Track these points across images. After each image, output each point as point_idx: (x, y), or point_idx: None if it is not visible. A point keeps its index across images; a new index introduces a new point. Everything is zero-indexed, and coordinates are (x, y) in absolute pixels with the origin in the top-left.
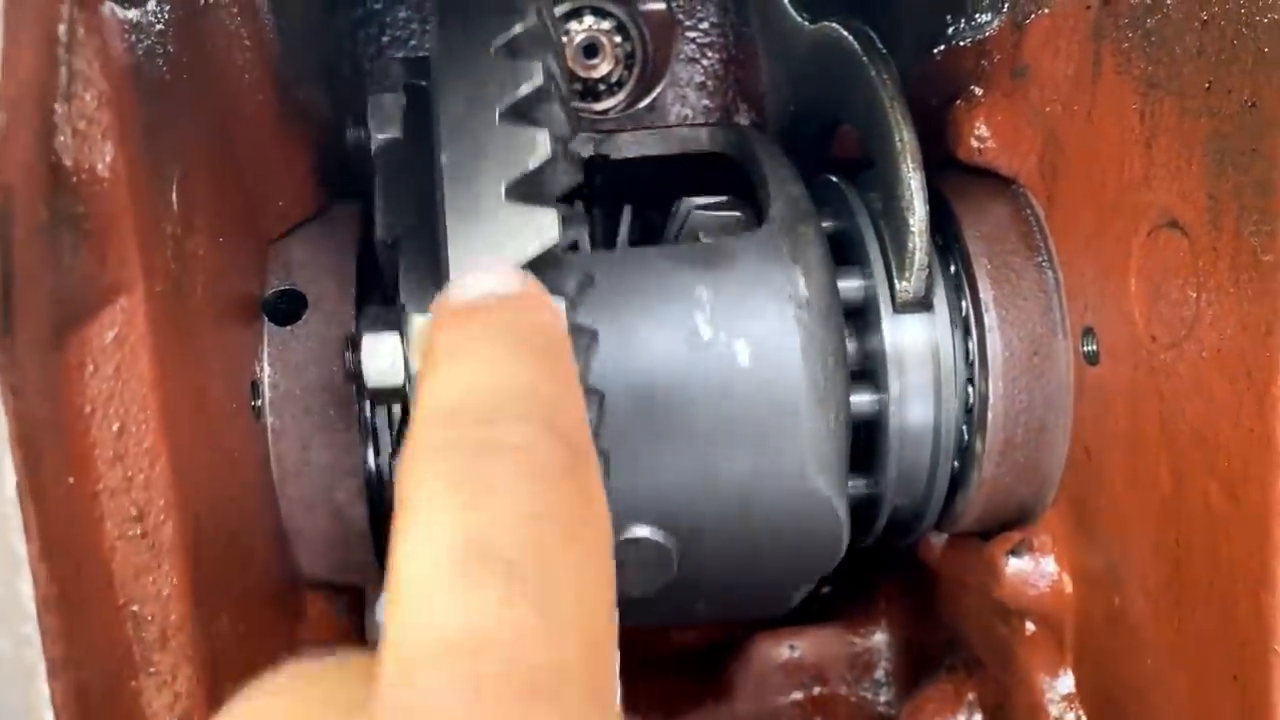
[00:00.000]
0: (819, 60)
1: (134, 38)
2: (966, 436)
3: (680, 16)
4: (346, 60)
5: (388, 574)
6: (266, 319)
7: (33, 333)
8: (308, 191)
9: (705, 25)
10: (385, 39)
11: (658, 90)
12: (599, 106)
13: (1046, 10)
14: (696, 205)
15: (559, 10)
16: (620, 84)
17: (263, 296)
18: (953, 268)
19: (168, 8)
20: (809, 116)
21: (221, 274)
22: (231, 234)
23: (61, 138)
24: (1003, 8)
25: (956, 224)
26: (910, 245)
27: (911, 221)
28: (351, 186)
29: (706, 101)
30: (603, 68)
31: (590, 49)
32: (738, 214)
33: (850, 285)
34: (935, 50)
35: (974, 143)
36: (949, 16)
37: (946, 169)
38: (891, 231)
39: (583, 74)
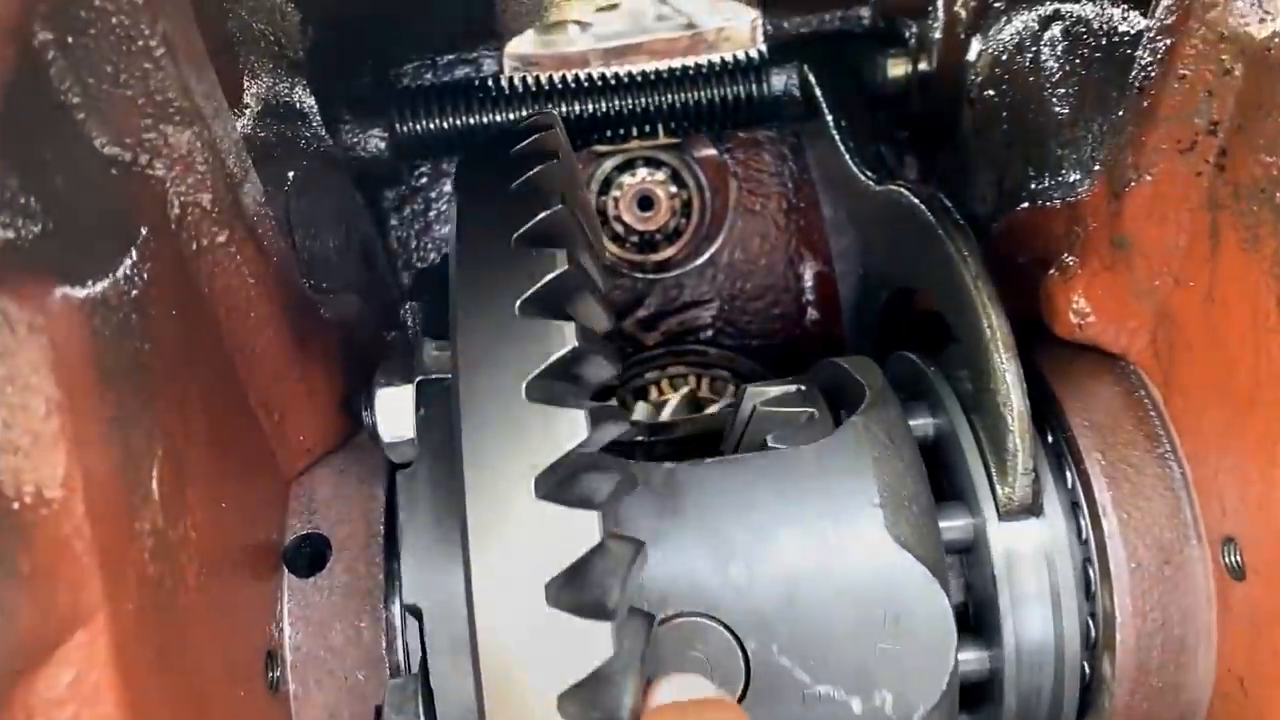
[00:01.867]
0: (890, 224)
1: (96, 319)
2: (1092, 659)
3: (735, 168)
4: (391, 239)
5: None
6: (287, 570)
7: None
8: (334, 420)
9: (762, 175)
10: (431, 214)
11: (716, 245)
12: (657, 257)
13: (1148, 177)
14: (762, 401)
15: (610, 164)
16: (678, 232)
17: (283, 544)
18: (1060, 463)
19: (148, 266)
20: (881, 281)
21: (226, 541)
22: (241, 490)
23: None
24: (1093, 169)
25: (1060, 410)
26: (1011, 446)
27: (1010, 419)
28: None
29: (769, 254)
30: (659, 219)
31: (645, 201)
32: (810, 411)
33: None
34: (1020, 206)
35: (1073, 318)
36: (1031, 169)
37: (1043, 340)
38: (988, 428)
39: (639, 227)
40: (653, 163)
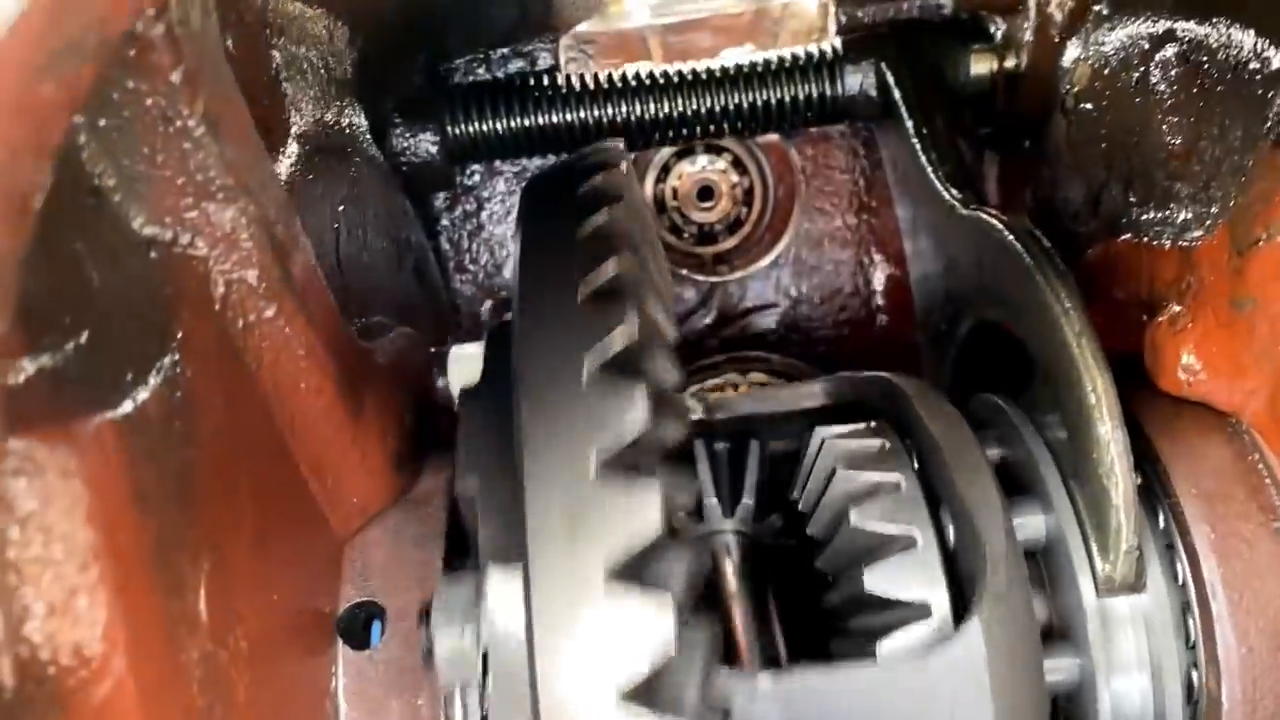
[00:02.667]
0: (979, 254)
1: (135, 441)
2: None
3: (803, 164)
4: (441, 240)
5: None
6: (341, 642)
7: None
8: (388, 477)
9: (832, 171)
10: (484, 214)
11: (781, 245)
12: (716, 249)
13: (1279, 239)
14: (833, 435)
15: (669, 150)
16: (739, 223)
17: (336, 612)
18: (1163, 528)
19: (191, 358)
20: (964, 307)
21: (278, 632)
22: (292, 566)
23: (27, 633)
24: (1210, 212)
25: (1164, 473)
26: (1114, 522)
27: (1115, 495)
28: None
29: (837, 256)
30: (719, 209)
31: (705, 191)
32: (882, 442)
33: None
34: (1121, 235)
35: (1182, 375)
36: (1133, 196)
37: (1140, 385)
38: (1088, 499)
39: (698, 218)
40: (713, 149)
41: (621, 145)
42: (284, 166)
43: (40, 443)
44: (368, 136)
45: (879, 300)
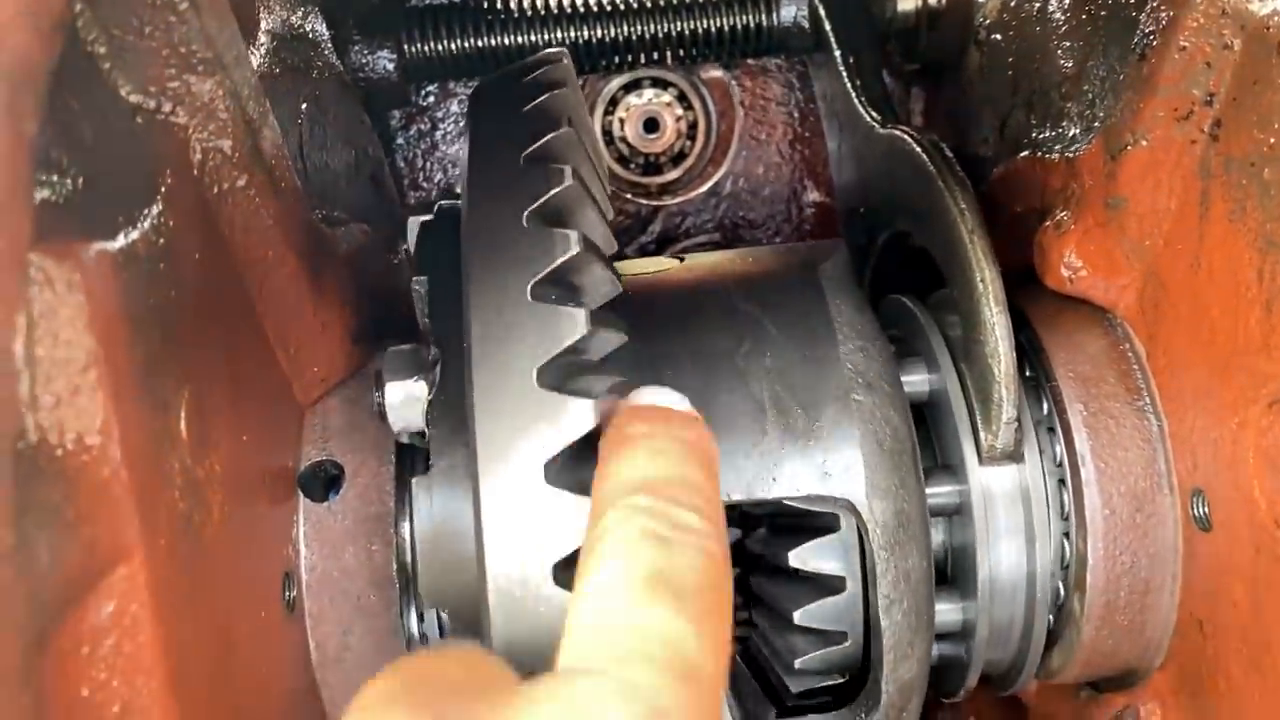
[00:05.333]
0: (891, 167)
1: (128, 271)
2: (1063, 594)
3: (742, 96)
4: (397, 159)
5: (578, 577)
6: (302, 495)
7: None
8: (347, 351)
9: (768, 104)
10: (437, 134)
11: (719, 174)
12: (661, 180)
13: (1144, 142)
14: None
15: (616, 83)
16: (684, 155)
17: (298, 470)
18: (1044, 407)
19: (173, 213)
20: (879, 221)
21: (247, 471)
22: (260, 420)
23: (32, 417)
24: (1093, 127)
25: (1047, 360)
26: (996, 396)
27: (997, 371)
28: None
29: (772, 182)
30: (664, 141)
31: (650, 123)
32: None
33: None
34: (1020, 154)
35: (1064, 271)
36: (1033, 118)
37: (1032, 287)
38: (975, 378)
39: (644, 149)
40: (660, 83)
41: (565, 57)
42: (254, 58)
43: (49, 257)
44: (330, 45)
45: (810, 226)
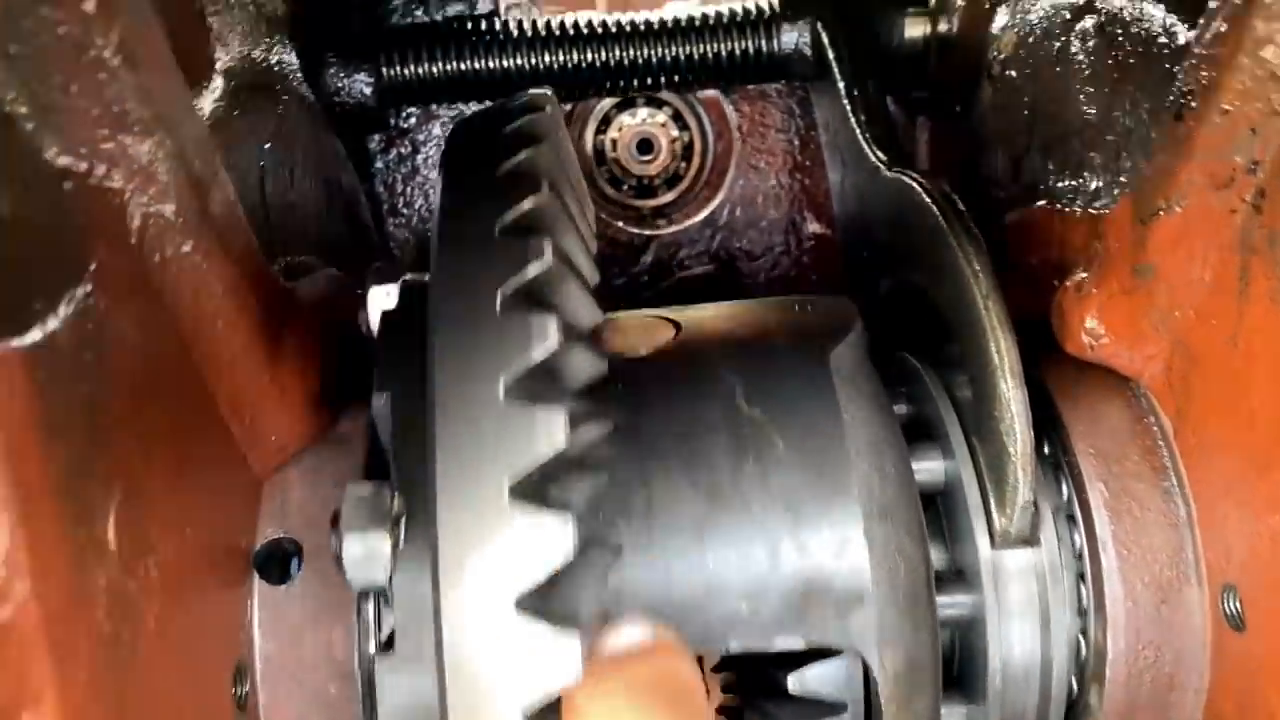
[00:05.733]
0: (898, 214)
1: (42, 371)
2: (1078, 688)
3: (740, 122)
4: (375, 184)
5: None
6: (258, 577)
7: None
8: (310, 416)
9: (767, 130)
10: (419, 157)
11: (715, 202)
12: (654, 203)
13: (1178, 209)
14: None
15: (609, 102)
16: (678, 177)
17: (253, 548)
18: (1061, 486)
19: (105, 290)
20: (883, 267)
21: (192, 563)
22: (209, 502)
23: None
24: (1118, 182)
25: (1065, 433)
26: (1012, 478)
27: (1013, 451)
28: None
29: (770, 213)
30: (658, 163)
31: (644, 144)
32: None
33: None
34: (1036, 201)
35: (1085, 338)
36: (1050, 163)
37: (1047, 347)
38: (988, 454)
39: (636, 171)
40: (654, 102)
41: (549, 91)
42: (207, 102)
43: None
44: (299, 76)
45: (809, 259)
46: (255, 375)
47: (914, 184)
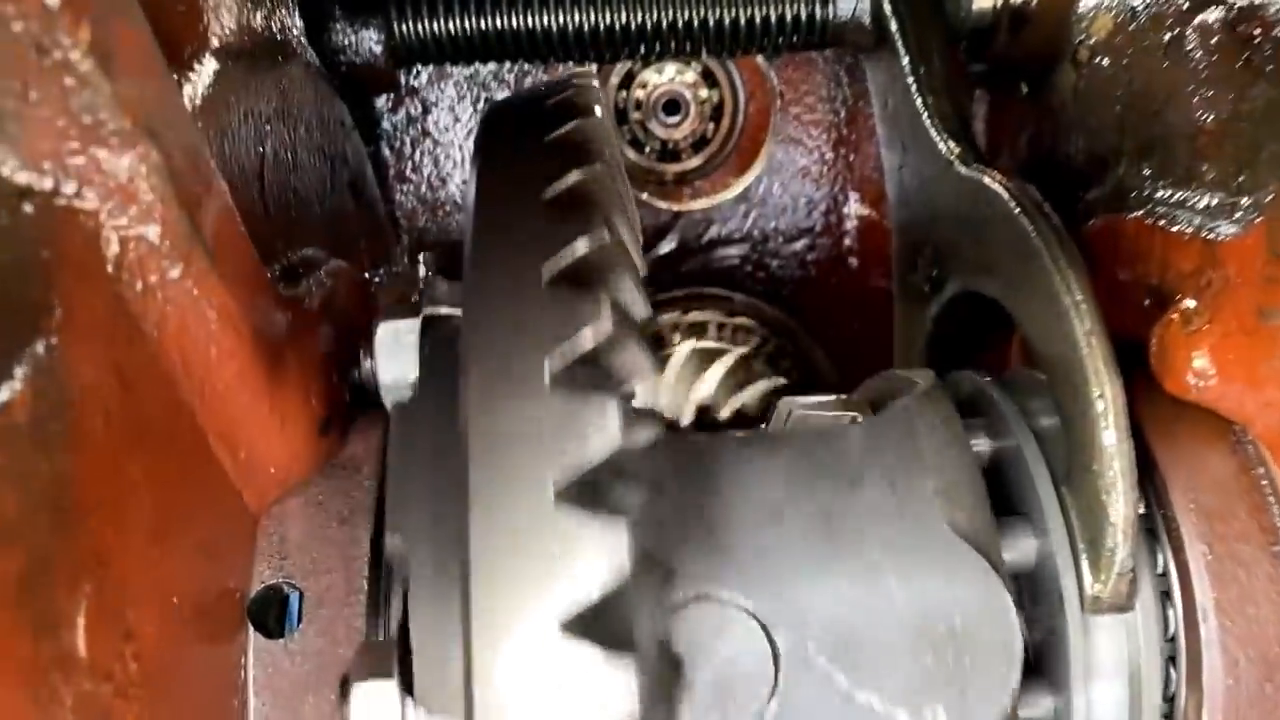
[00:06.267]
0: (972, 216)
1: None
2: None
3: (781, 88)
4: (382, 148)
5: None
6: (252, 629)
7: None
8: (312, 443)
9: (810, 98)
10: (430, 119)
11: (752, 175)
12: (678, 168)
13: None
14: (800, 405)
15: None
16: (706, 139)
17: (248, 593)
18: (1156, 545)
19: (73, 336)
20: (950, 270)
21: (177, 631)
22: (198, 552)
23: None
24: (1239, 205)
25: (1162, 483)
26: (1110, 541)
27: (1114, 513)
28: None
29: (810, 191)
30: (685, 126)
31: (671, 105)
32: (854, 415)
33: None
34: (1131, 210)
35: (1191, 378)
36: (1148, 169)
37: (1138, 379)
38: (1081, 508)
39: (662, 134)
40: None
41: (595, 79)
42: (200, 85)
43: None
44: (302, 40)
45: (851, 242)
46: (253, 404)
47: (999, 189)
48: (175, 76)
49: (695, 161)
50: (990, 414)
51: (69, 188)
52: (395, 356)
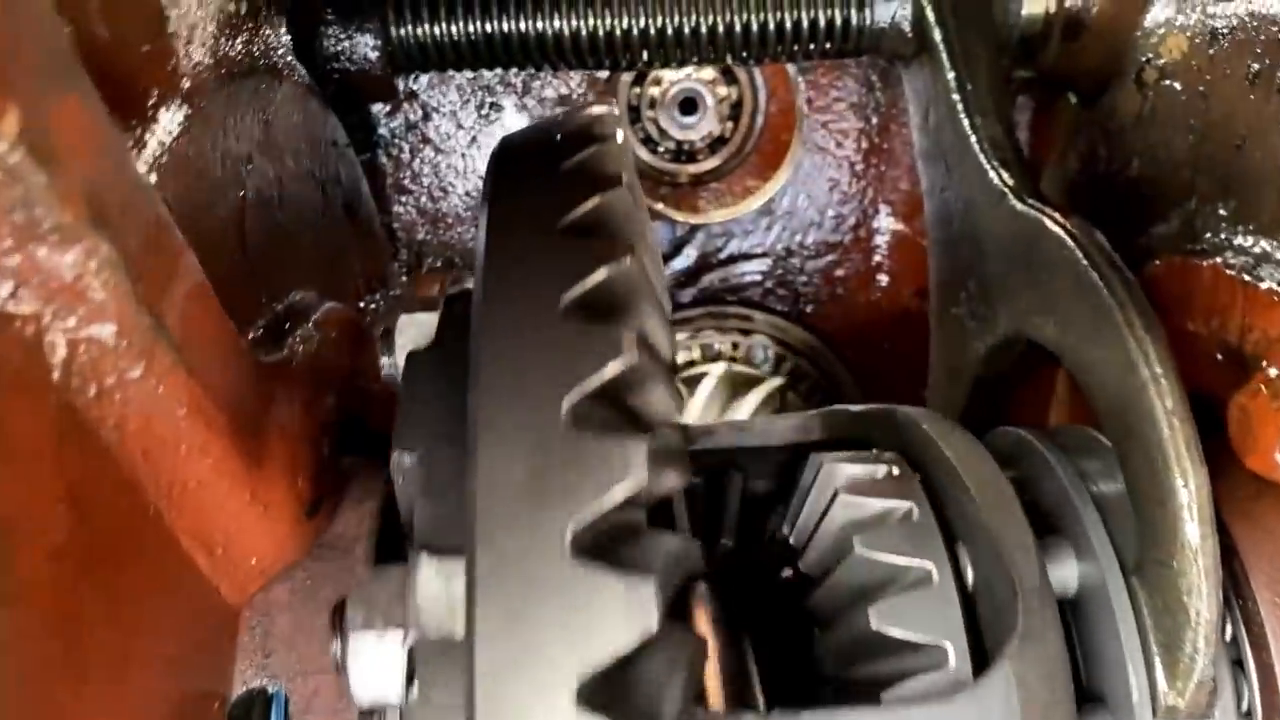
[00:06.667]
0: (1029, 257)
1: None
2: None
3: (809, 94)
4: (379, 155)
5: None
6: None
7: None
8: (299, 528)
9: (840, 106)
10: (430, 124)
11: (776, 186)
12: (693, 169)
13: None
14: (833, 460)
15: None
16: (723, 140)
17: (228, 698)
18: (1235, 638)
19: (9, 472)
20: (999, 309)
21: None
22: (168, 671)
23: None
24: None
25: (1241, 569)
26: (1189, 647)
27: (1194, 614)
28: None
29: (838, 205)
30: (703, 126)
31: (688, 104)
32: (890, 467)
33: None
34: (1203, 256)
35: (1278, 457)
36: (1222, 209)
37: (1211, 449)
38: (1155, 606)
39: (678, 135)
40: None
41: (615, 110)
42: (167, 138)
43: None
44: (288, 58)
45: (881, 259)
46: (231, 495)
47: (1063, 234)
48: (139, 131)
49: (712, 163)
50: (1043, 478)
51: (2, 290)
52: None
